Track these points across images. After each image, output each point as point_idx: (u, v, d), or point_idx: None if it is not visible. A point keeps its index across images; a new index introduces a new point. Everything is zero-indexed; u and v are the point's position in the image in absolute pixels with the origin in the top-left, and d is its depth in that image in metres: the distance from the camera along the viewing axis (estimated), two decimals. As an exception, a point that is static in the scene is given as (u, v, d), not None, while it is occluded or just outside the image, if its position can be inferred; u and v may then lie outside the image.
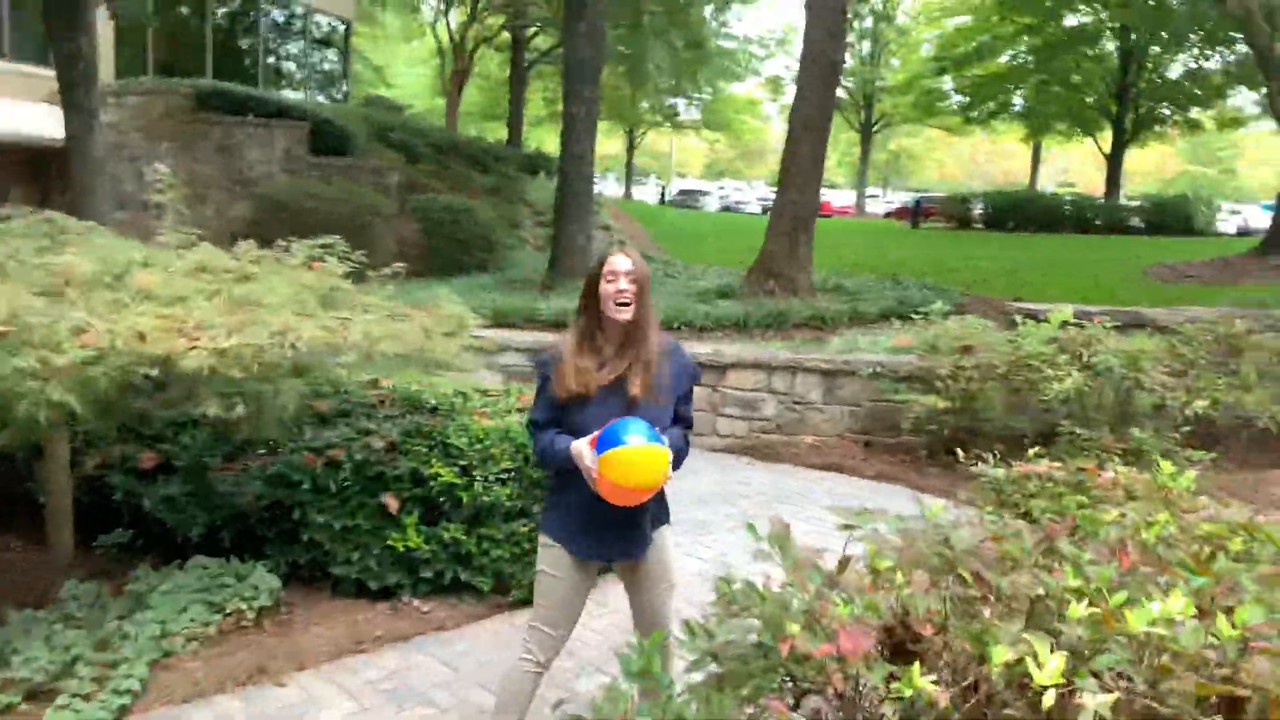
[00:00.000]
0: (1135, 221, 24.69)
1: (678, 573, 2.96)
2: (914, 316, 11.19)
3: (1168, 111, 26.99)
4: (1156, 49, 25.30)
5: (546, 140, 43.18)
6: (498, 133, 29.80)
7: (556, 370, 2.66)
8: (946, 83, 31.42)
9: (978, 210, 27.00)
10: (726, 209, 41.93)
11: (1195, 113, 27.00)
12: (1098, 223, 24.80)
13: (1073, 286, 13.72)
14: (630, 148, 44.76)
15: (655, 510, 2.77)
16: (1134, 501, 2.65)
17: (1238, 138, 50.93)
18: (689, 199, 43.24)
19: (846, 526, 2.26)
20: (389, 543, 4.25)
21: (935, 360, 6.58)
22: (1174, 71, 26.42)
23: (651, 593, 2.80)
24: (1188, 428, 5.58)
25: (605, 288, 2.63)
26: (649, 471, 2.45)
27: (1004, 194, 28.33)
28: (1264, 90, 25.27)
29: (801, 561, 1.89)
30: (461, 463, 4.31)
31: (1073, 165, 61.97)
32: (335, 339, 3.85)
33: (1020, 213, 25.71)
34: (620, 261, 2.65)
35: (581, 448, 2.54)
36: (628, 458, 2.42)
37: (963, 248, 19.72)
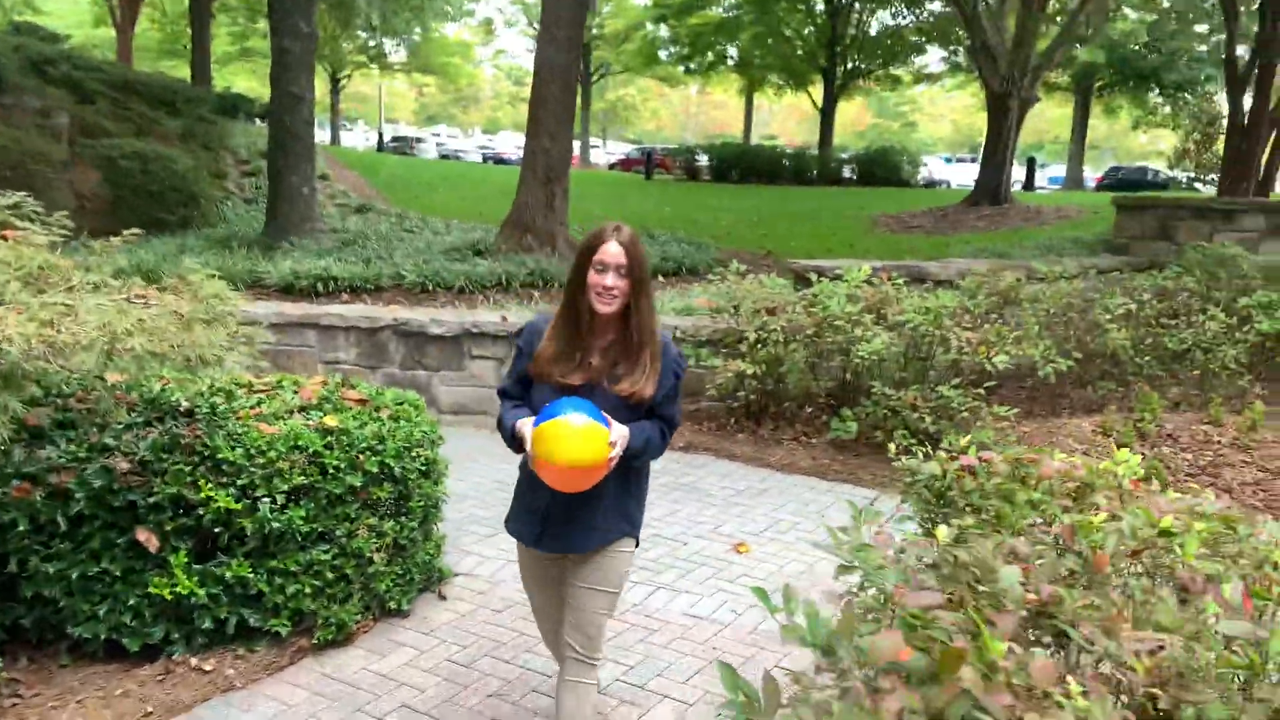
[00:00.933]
0: (847, 173, 26.66)
1: (619, 594, 2.69)
2: (686, 273, 11.32)
3: (871, 67, 29.27)
4: (859, 4, 27.25)
5: (236, 81, 39.31)
6: (180, 72, 26.52)
7: (540, 345, 2.54)
8: (664, 32, 32.04)
9: (704, 162, 27.92)
10: (444, 157, 40.44)
11: (894, 69, 29.50)
12: (814, 174, 26.51)
13: (815, 237, 14.40)
14: (335, 91, 41.85)
15: (616, 512, 2.57)
16: (1093, 494, 2.49)
17: (916, 95, 56.82)
18: (403, 146, 41.21)
19: (845, 568, 1.91)
20: (150, 590, 3.36)
21: (740, 322, 6.42)
22: (875, 28, 28.65)
23: (581, 596, 2.58)
24: (991, 383, 5.82)
25: (592, 276, 2.44)
26: (583, 449, 2.29)
27: (729, 146, 29.50)
28: (953, 48, 28.18)
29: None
30: (239, 482, 3.48)
31: (775, 119, 66.32)
32: (61, 337, 2.89)
33: (744, 165, 26.90)
34: (611, 251, 2.42)
35: (525, 426, 2.41)
36: (558, 431, 2.29)
37: (698, 199, 20.21)
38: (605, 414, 2.37)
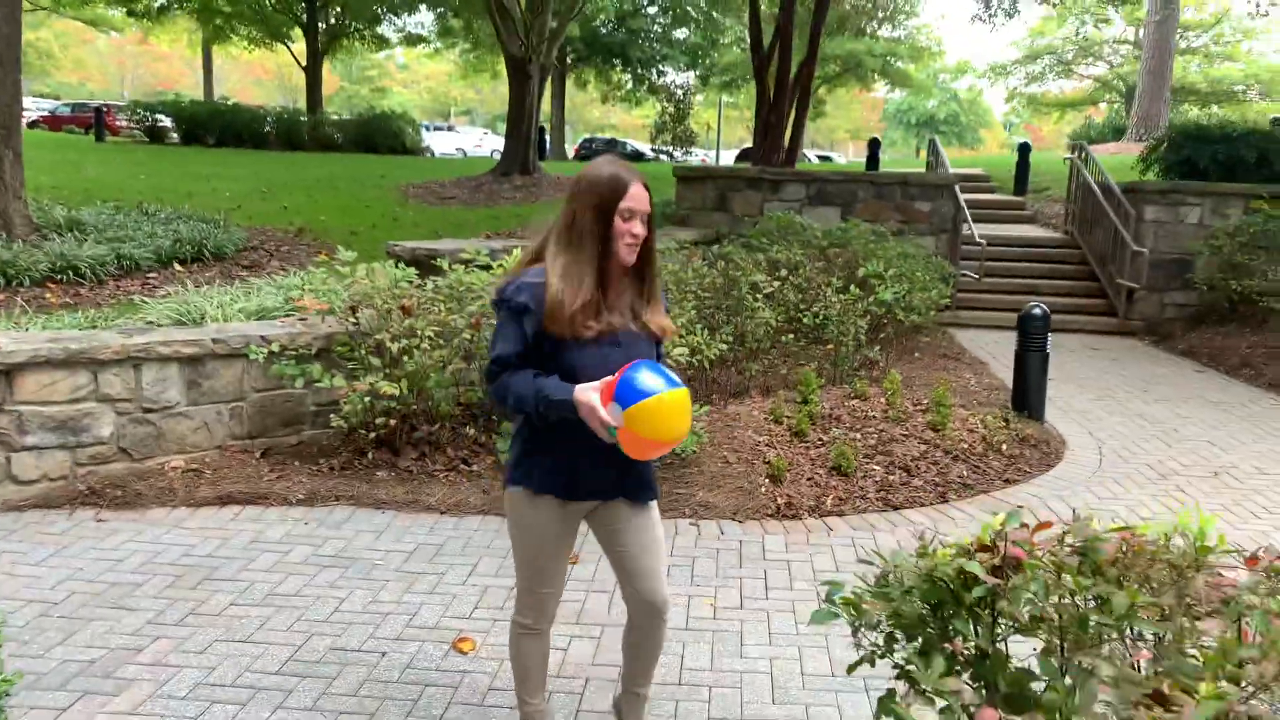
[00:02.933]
0: (340, 138, 24.68)
1: None
2: (211, 259, 9.06)
3: (359, 24, 27.42)
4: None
5: None
6: None
7: (547, 303, 2.27)
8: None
9: (168, 123, 23.90)
10: None
11: (380, 29, 27.98)
12: (306, 139, 24.15)
13: (345, 210, 12.76)
14: None
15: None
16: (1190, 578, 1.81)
17: (382, 60, 55.54)
18: None
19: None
20: None
21: (363, 326, 4.94)
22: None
23: (652, 549, 2.50)
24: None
25: (620, 224, 2.29)
26: (682, 418, 2.20)
27: (200, 106, 25.63)
28: (440, 10, 27.45)
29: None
30: None
31: (230, 78, 60.32)
32: None
33: (221, 127, 23.54)
34: (639, 195, 2.31)
35: (593, 399, 2.19)
36: (661, 409, 2.15)
37: (178, 166, 17.03)
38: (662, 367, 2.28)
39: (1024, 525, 1.97)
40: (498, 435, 5.24)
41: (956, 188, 10.80)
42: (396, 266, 5.50)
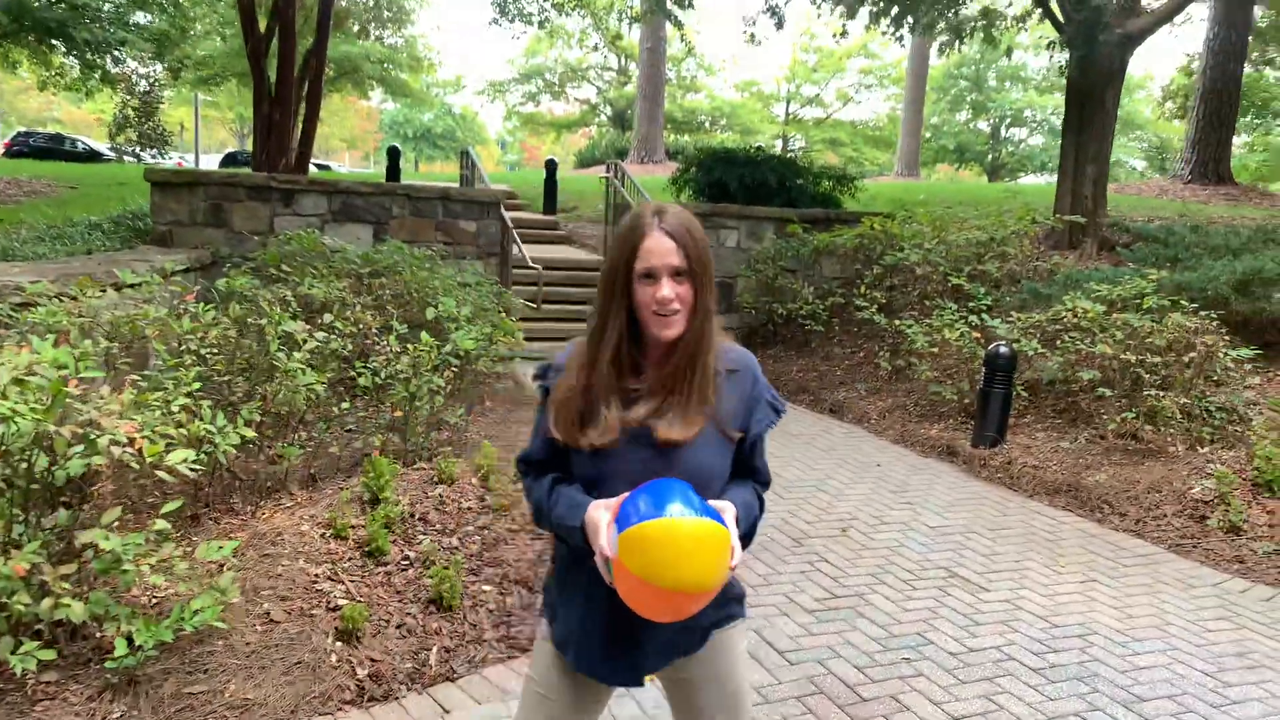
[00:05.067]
0: None
1: (748, 690, 1.96)
2: None
3: None
4: None
5: None
6: None
7: (553, 392, 1.80)
8: None
9: None
10: None
11: None
12: None
13: None
14: None
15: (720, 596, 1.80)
16: None
17: None
18: None
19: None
20: None
21: None
22: None
23: (702, 714, 1.90)
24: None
25: (641, 290, 1.70)
26: (696, 563, 1.55)
27: None
28: None
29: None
30: None
31: None
32: None
33: None
34: (659, 244, 1.68)
35: (599, 520, 1.65)
36: (666, 540, 1.53)
37: None
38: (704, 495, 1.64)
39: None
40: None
41: (502, 206, 9.77)
42: None
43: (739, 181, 10.68)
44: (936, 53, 14.41)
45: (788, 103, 42.89)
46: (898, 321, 8.14)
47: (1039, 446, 6.58)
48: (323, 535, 4.07)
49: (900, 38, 13.23)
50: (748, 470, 1.86)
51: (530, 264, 9.38)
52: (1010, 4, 13.39)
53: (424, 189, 9.44)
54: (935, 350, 7.45)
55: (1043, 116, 41.41)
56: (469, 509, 4.51)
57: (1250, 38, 15.38)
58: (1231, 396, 6.45)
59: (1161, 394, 6.23)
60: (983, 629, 4.08)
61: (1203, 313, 6.64)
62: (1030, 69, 40.08)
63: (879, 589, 4.46)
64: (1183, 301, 6.76)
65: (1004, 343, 6.68)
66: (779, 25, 14.13)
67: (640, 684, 1.86)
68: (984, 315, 7.34)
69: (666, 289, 1.68)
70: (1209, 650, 3.99)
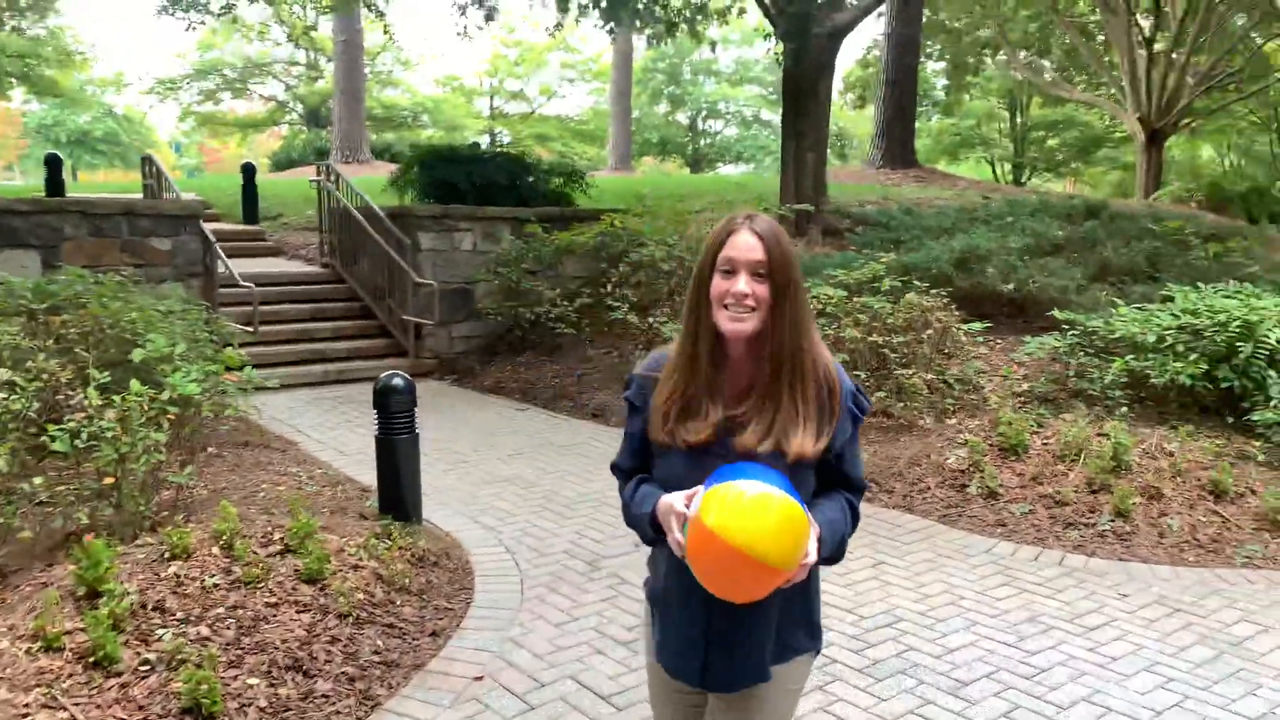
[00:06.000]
0: None
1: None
2: None
3: None
4: None
5: None
6: None
7: (655, 396, 1.85)
8: None
9: None
10: None
11: None
12: None
13: None
14: None
15: (800, 620, 1.92)
16: None
17: None
18: None
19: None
20: None
21: None
22: None
23: None
24: None
25: (718, 284, 1.77)
26: (774, 533, 1.58)
27: None
28: None
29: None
30: None
31: None
32: None
33: None
34: (741, 244, 1.75)
35: (673, 500, 1.72)
36: (749, 499, 1.59)
37: None
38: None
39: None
40: None
41: (201, 219, 8.69)
42: None
43: (467, 180, 10.21)
44: (646, 45, 14.66)
45: (491, 98, 42.53)
46: (651, 319, 8.09)
47: (802, 433, 6.73)
48: (29, 651, 3.25)
49: (612, 30, 13.30)
50: (838, 479, 1.90)
51: (241, 282, 8.40)
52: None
53: (103, 203, 8.18)
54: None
55: (736, 109, 43.94)
56: (215, 586, 3.81)
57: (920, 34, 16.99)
58: (965, 368, 6.93)
59: (908, 371, 6.56)
60: (798, 634, 4.00)
61: (934, 291, 7.08)
62: (722, 63, 42.36)
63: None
64: (915, 281, 7.18)
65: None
66: (489, 17, 13.78)
67: (734, 690, 1.89)
68: (737, 307, 7.41)
69: (743, 283, 1.73)
70: (1004, 620, 4.16)
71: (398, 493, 5.03)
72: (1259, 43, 18.68)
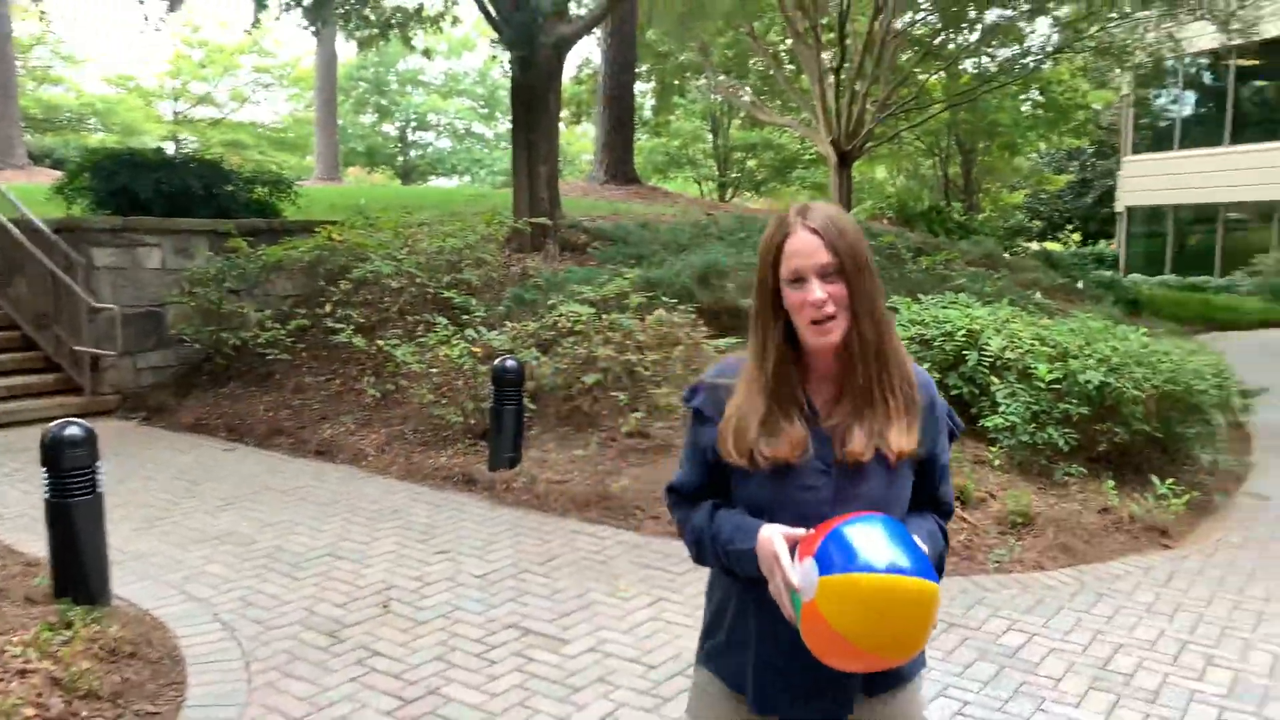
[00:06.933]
0: None
1: None
2: None
3: None
4: None
5: None
6: None
7: (732, 407, 1.65)
8: None
9: None
10: None
11: None
12: None
13: None
14: None
15: None
16: None
17: None
18: None
19: None
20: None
21: None
22: None
23: None
24: None
25: (790, 295, 1.59)
26: (906, 627, 1.39)
27: None
28: None
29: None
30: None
31: None
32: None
33: None
34: (804, 243, 1.56)
35: (779, 550, 1.49)
36: (877, 596, 1.36)
37: None
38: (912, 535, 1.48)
39: None
40: None
41: None
42: None
43: (155, 189, 8.90)
44: (356, 50, 13.73)
45: (175, 100, 38.80)
46: (380, 341, 7.35)
47: (555, 459, 6.33)
48: None
49: (316, 32, 12.31)
50: (928, 498, 1.75)
51: None
52: (424, 4, 13.19)
53: None
54: (431, 370, 6.82)
55: (448, 121, 43.03)
56: None
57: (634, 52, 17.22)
58: (715, 383, 6.83)
59: (662, 391, 6.35)
60: (585, 694, 3.57)
61: (680, 307, 6.94)
62: (430, 74, 41.34)
63: (454, 675, 3.71)
64: (662, 296, 7.01)
65: (510, 356, 6.29)
66: (171, 7, 12.32)
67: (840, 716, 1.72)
68: (480, 328, 6.90)
69: (817, 290, 1.55)
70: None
71: (78, 568, 4.05)
72: (921, 78, 20.70)
